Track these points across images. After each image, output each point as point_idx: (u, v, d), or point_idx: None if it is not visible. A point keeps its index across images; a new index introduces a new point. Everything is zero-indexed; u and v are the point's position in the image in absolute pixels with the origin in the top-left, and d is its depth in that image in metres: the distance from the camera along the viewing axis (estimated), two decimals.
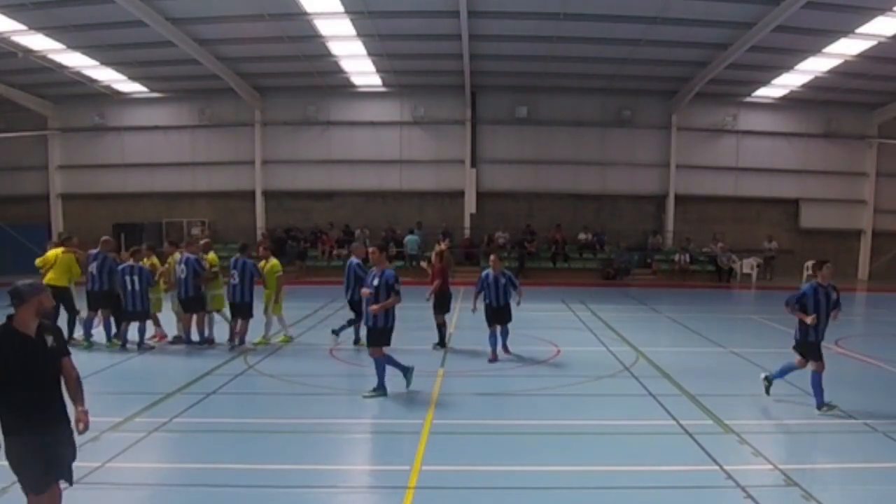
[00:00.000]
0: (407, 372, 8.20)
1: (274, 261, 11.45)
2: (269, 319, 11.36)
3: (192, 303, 10.94)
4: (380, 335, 7.95)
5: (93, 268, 10.94)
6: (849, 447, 6.42)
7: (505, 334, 10.51)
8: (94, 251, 11.17)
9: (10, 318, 3.72)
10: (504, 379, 9.20)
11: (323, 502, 5.29)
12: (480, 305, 10.36)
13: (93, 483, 5.28)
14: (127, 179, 25.59)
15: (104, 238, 11.55)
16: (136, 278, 10.60)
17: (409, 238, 23.32)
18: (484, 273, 10.32)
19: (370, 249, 8.37)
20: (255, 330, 11.27)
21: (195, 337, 11.05)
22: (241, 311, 10.88)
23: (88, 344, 10.85)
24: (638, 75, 22.58)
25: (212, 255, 11.73)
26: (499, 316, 10.24)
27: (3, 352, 3.59)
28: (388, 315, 7.97)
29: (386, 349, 8.13)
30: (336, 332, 11.11)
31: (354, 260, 11.04)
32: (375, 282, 7.89)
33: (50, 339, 3.82)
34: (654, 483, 5.54)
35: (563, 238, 24.38)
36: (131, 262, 10.78)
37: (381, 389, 8.03)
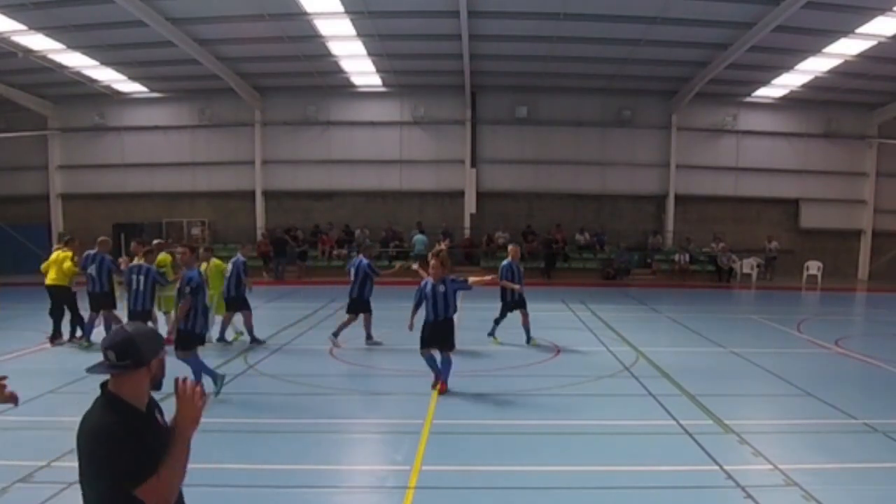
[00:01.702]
0: (216, 378, 7.90)
1: (216, 259, 11.65)
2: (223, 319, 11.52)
3: (236, 302, 11.19)
4: (185, 339, 7.78)
5: (92, 269, 10.92)
6: (849, 447, 6.41)
7: (446, 365, 8.27)
8: (91, 252, 11.14)
9: (106, 385, 2.48)
10: (504, 379, 9.19)
11: (323, 502, 5.29)
12: (424, 321, 8.38)
13: None
14: (127, 179, 25.59)
15: (101, 238, 11.53)
16: (141, 278, 10.33)
17: (417, 237, 23.29)
18: (423, 281, 8.51)
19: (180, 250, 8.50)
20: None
21: (227, 335, 11.28)
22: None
23: (89, 344, 10.85)
24: (638, 75, 22.58)
25: (217, 262, 11.78)
26: (434, 336, 8.21)
27: (143, 436, 2.39)
28: (194, 320, 7.81)
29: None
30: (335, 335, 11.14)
31: (364, 260, 11.26)
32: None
33: (159, 415, 2.68)
34: (654, 483, 5.54)
35: (564, 238, 24.37)
36: (142, 261, 10.53)
37: (218, 380, 7.88)
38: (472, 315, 15.00)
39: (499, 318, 11.65)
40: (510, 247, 11.95)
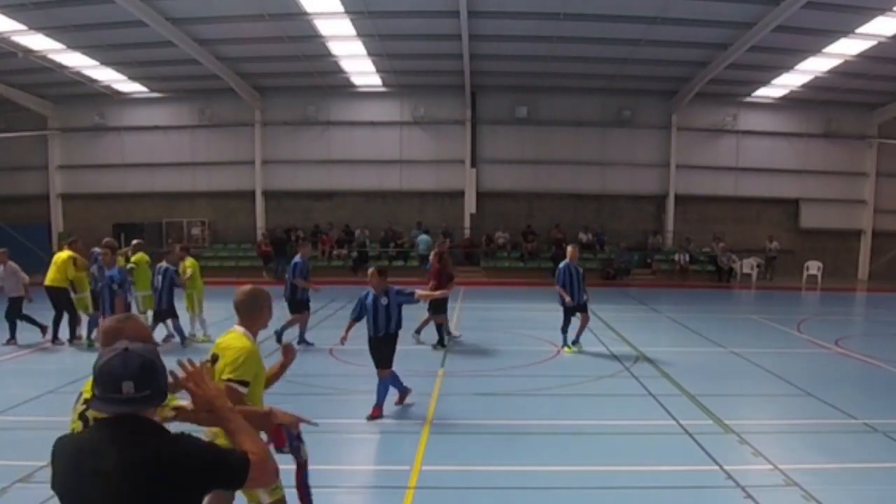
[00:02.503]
0: None
1: (190, 260, 11.80)
2: (198, 318, 11.70)
3: (298, 305, 11.22)
4: None
5: (94, 268, 10.99)
6: (849, 447, 6.41)
7: (382, 387, 7.29)
8: (95, 251, 11.19)
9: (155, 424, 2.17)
10: (504, 379, 9.19)
11: (323, 502, 5.27)
12: (366, 335, 7.47)
13: None
14: (127, 179, 25.58)
15: (106, 240, 11.56)
16: (159, 277, 10.92)
17: (421, 238, 23.28)
18: (364, 292, 7.50)
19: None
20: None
21: (309, 338, 11.32)
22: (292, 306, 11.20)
23: (90, 343, 10.85)
24: (638, 75, 22.57)
25: (191, 261, 11.90)
26: (373, 352, 7.36)
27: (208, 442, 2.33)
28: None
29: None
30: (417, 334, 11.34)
31: (297, 259, 11.30)
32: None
33: None
34: (654, 483, 5.54)
35: (556, 239, 24.32)
36: (164, 263, 11.10)
37: None
38: (473, 315, 15.01)
39: (564, 326, 10.87)
40: (569, 248, 11.09)
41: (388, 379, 7.36)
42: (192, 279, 11.67)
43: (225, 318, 12.53)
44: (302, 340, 11.11)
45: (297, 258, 11.32)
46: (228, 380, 3.51)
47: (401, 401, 7.68)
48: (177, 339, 11.23)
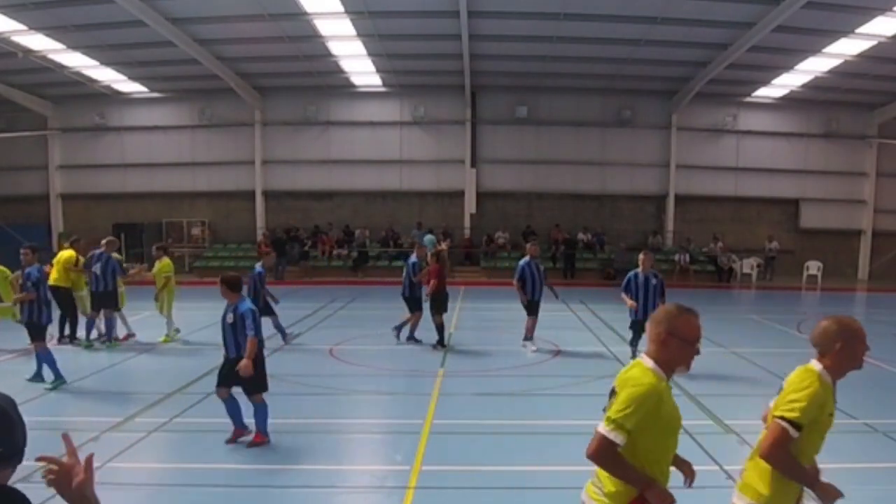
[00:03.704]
0: (58, 377, 8.38)
1: (166, 260, 11.82)
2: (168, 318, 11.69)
3: (413, 303, 11.38)
4: (35, 329, 8.50)
5: (96, 268, 10.94)
6: (849, 447, 6.40)
7: (260, 412, 6.33)
8: (97, 251, 11.16)
9: None
10: (504, 379, 9.19)
11: (323, 502, 5.29)
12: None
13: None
14: (127, 179, 25.59)
15: (108, 239, 11.56)
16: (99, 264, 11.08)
17: (427, 238, 23.27)
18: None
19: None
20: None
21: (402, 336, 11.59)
22: (410, 304, 11.38)
23: (89, 344, 10.88)
24: (638, 75, 22.58)
25: (166, 262, 11.84)
26: (233, 373, 6.15)
27: None
28: (39, 312, 8.52)
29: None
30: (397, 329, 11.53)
31: (413, 258, 11.53)
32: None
33: None
34: None
35: (566, 238, 24.33)
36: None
37: (59, 380, 8.35)
38: (473, 315, 15.02)
39: (633, 339, 9.74)
40: (641, 256, 9.74)
41: (264, 402, 6.36)
42: (162, 280, 11.59)
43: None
44: (411, 337, 11.39)
45: (259, 267, 11.22)
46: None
47: (234, 438, 6.36)
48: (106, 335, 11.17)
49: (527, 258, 10.95)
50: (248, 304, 6.33)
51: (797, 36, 17.87)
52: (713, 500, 5.37)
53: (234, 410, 6.35)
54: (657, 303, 8.74)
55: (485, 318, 14.82)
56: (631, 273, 9.60)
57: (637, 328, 9.43)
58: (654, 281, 9.36)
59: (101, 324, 11.23)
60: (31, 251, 9.26)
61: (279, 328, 11.33)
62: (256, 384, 6.27)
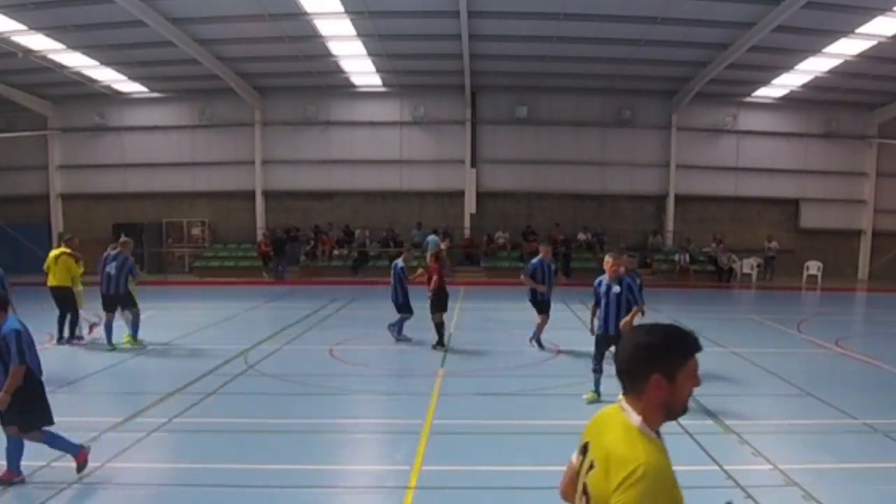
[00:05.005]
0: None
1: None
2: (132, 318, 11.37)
3: (541, 306, 11.23)
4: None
5: (111, 268, 10.83)
6: (849, 447, 6.41)
7: (14, 447, 5.20)
8: (113, 251, 11.06)
9: None
10: (504, 379, 9.19)
11: (323, 502, 5.28)
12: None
13: (93, 483, 5.29)
14: (127, 179, 25.58)
15: (124, 239, 11.42)
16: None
17: (431, 238, 23.24)
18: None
19: None
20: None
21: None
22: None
23: (112, 347, 10.69)
24: (638, 75, 22.57)
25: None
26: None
27: None
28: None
29: None
30: (393, 327, 11.54)
31: (400, 263, 11.48)
32: None
33: None
34: None
35: (566, 239, 24.30)
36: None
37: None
38: (473, 315, 15.00)
39: (597, 356, 8.34)
40: (606, 259, 8.42)
41: (20, 439, 5.19)
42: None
43: (221, 318, 12.51)
44: (536, 340, 11.20)
45: (400, 262, 11.56)
46: None
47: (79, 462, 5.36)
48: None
49: (540, 256, 11.16)
50: (12, 323, 5.08)
51: (797, 36, 17.86)
52: (713, 500, 5.39)
53: (52, 442, 5.26)
54: (620, 315, 7.68)
55: (485, 318, 14.81)
56: (597, 280, 8.21)
57: (600, 343, 7.95)
58: (615, 289, 7.79)
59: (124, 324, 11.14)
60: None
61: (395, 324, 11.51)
62: (24, 418, 5.08)
